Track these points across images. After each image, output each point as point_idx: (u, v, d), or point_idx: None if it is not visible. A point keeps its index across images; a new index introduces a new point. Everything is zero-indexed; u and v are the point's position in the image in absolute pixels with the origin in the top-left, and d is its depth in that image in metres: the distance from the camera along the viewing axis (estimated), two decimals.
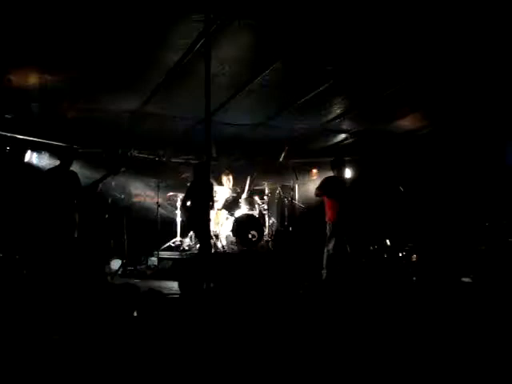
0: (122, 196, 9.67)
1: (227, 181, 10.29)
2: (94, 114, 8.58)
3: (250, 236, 9.38)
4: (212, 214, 9.33)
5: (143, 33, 5.85)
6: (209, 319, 3.97)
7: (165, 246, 9.75)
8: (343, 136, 10.30)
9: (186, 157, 10.88)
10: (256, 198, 10.21)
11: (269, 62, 6.77)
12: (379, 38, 6.08)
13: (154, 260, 9.36)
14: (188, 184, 8.71)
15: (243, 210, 9.86)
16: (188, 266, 8.27)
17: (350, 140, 10.41)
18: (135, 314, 4.14)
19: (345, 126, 9.71)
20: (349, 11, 5.49)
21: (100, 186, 7.28)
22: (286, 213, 10.80)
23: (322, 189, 8.36)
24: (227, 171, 10.41)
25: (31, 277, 6.82)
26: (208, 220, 7.77)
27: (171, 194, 10.29)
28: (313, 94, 7.81)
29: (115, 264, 9.28)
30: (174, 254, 9.31)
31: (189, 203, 7.98)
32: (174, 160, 10.65)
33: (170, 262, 9.36)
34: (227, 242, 9.51)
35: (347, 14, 5.55)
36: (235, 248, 9.36)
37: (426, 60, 6.65)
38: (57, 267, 6.74)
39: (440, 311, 5.57)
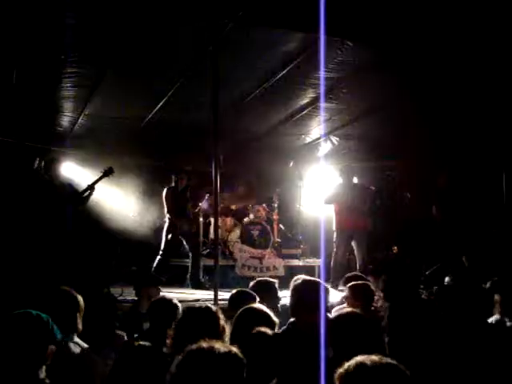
0: None
1: (241, 189, 10.29)
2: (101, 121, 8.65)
3: (257, 243, 9.36)
4: (219, 220, 9.32)
5: (152, 38, 5.90)
6: None
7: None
8: (351, 142, 10.30)
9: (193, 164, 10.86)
10: (264, 205, 10.20)
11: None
12: None
13: None
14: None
15: (250, 216, 9.85)
16: None
17: (358, 146, 10.41)
18: None
19: (352, 133, 9.74)
20: None
21: (95, 187, 7.23)
22: (294, 220, 10.79)
23: (329, 198, 8.37)
24: (240, 180, 10.41)
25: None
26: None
27: None
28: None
29: None
30: (183, 261, 9.30)
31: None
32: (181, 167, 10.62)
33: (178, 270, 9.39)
34: (235, 249, 9.48)
35: None
36: (243, 255, 9.33)
37: None
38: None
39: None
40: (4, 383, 2.38)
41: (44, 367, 2.48)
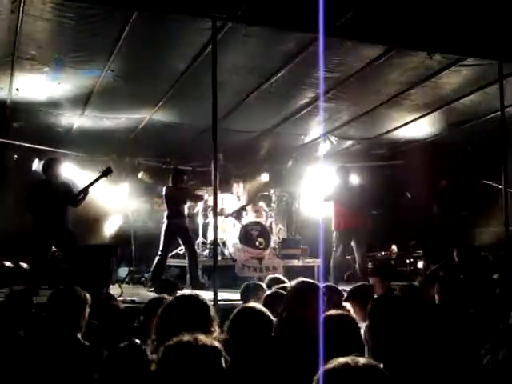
0: None
1: (237, 188, 10.29)
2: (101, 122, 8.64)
3: (257, 243, 9.36)
4: (219, 220, 9.32)
5: (152, 38, 5.90)
6: None
7: (172, 253, 9.75)
8: (350, 142, 10.33)
9: (193, 164, 10.88)
10: (263, 205, 10.20)
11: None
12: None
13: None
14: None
15: (250, 217, 9.85)
16: None
17: (357, 146, 10.43)
18: None
19: (351, 133, 9.75)
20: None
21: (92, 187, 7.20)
22: (293, 220, 10.82)
23: (329, 195, 8.38)
24: (237, 179, 10.40)
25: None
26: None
27: None
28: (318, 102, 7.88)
29: (122, 272, 9.29)
30: (182, 262, 9.30)
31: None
32: (180, 167, 10.66)
33: (178, 270, 9.39)
34: (234, 250, 9.49)
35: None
36: (243, 255, 9.32)
37: None
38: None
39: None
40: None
41: None
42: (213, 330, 2.68)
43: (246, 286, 5.22)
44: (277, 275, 5.59)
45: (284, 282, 4.85)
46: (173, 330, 2.16)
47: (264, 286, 5.03)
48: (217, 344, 2.05)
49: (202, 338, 2.01)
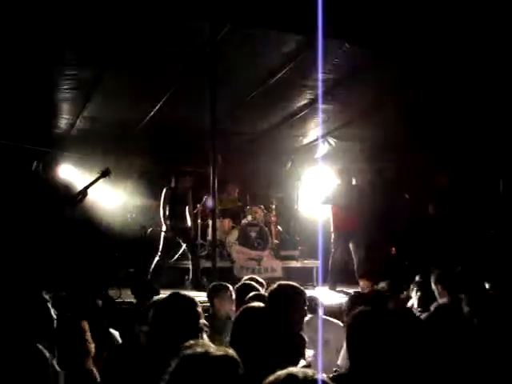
0: None
1: (232, 190, 10.30)
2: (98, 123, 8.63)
3: (255, 244, 9.36)
4: (217, 222, 9.31)
5: (151, 40, 5.91)
6: None
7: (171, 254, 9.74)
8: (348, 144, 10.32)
9: (192, 165, 10.86)
10: (261, 206, 10.21)
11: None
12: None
13: None
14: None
15: (248, 218, 9.85)
16: None
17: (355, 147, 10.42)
18: None
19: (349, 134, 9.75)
20: None
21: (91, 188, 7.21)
22: (292, 222, 10.82)
23: (327, 199, 8.39)
24: (236, 180, 10.41)
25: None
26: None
27: None
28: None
29: (121, 273, 9.25)
30: (182, 263, 9.29)
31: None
32: (180, 169, 10.64)
33: (177, 271, 9.37)
34: (232, 251, 9.48)
35: None
36: (241, 257, 9.31)
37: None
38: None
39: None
40: None
41: None
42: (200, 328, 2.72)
43: (212, 287, 5.39)
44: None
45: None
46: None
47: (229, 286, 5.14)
48: (234, 353, 1.97)
49: (213, 349, 1.96)
